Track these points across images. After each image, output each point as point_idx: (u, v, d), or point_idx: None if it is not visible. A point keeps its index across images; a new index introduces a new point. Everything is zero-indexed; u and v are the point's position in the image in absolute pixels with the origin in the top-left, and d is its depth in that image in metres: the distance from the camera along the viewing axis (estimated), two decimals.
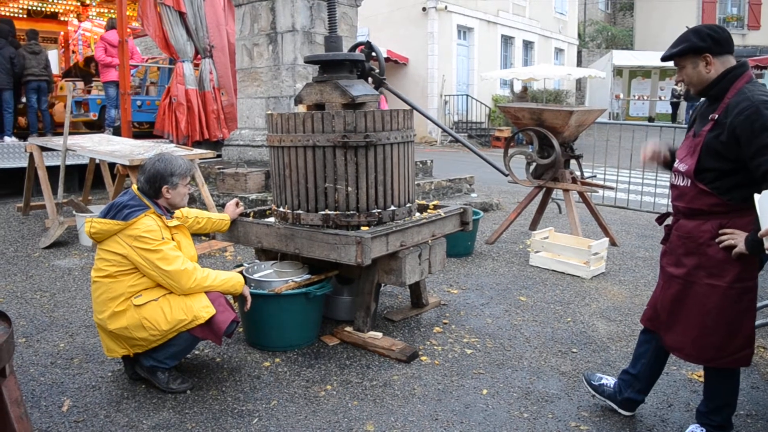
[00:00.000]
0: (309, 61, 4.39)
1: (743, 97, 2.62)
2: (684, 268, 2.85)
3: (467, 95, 23.03)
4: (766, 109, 2.53)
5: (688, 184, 2.81)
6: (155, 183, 3.38)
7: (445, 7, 21.94)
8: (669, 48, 2.91)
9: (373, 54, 4.58)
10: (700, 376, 3.67)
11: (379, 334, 4.01)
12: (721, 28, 2.80)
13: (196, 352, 3.89)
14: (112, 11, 14.32)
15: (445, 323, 4.49)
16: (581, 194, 6.96)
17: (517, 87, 24.41)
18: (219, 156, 8.91)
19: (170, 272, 3.20)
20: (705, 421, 2.97)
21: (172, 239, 3.36)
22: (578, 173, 6.99)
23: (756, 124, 2.53)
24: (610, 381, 3.34)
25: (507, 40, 26.16)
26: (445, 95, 22.44)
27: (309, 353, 3.92)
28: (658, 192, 9.34)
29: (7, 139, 9.74)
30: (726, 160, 2.66)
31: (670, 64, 2.96)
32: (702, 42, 2.75)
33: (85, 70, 14.19)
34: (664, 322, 2.95)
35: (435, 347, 4.05)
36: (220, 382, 3.54)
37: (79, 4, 14.58)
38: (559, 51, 30.13)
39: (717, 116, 2.70)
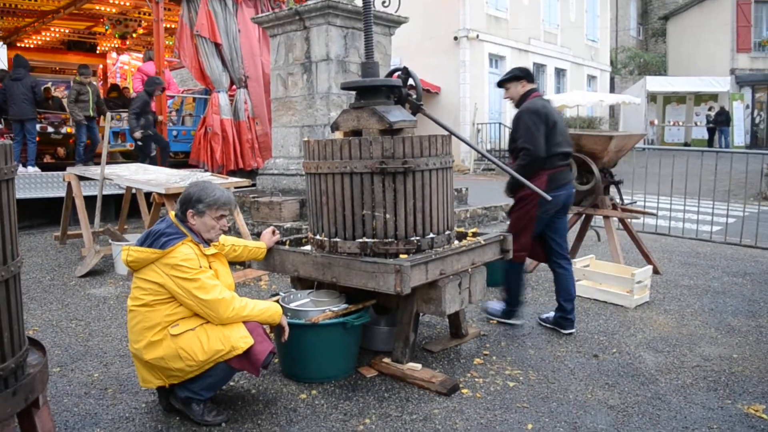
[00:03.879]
0: (346, 87, 4.35)
1: (522, 107, 4.76)
2: None
3: (500, 123, 22.92)
4: (525, 113, 4.65)
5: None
6: (183, 205, 3.34)
7: (477, 36, 21.99)
8: (503, 76, 4.97)
9: (410, 80, 4.53)
10: (756, 411, 3.49)
11: (418, 366, 3.89)
12: (528, 69, 4.99)
13: (231, 384, 3.81)
14: (149, 44, 14.64)
15: (486, 354, 4.35)
16: (622, 221, 6.79)
17: None
18: (253, 185, 8.93)
19: (208, 301, 3.14)
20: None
21: (210, 268, 3.30)
22: (618, 200, 6.83)
23: (519, 122, 4.67)
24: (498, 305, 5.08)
25: (539, 68, 26.09)
26: (478, 123, 22.38)
27: (346, 385, 3.82)
28: (700, 219, 9.12)
29: (30, 169, 9.86)
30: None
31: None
32: (521, 73, 4.89)
33: (113, 97, 14.47)
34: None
35: (476, 379, 3.92)
36: (256, 414, 3.45)
37: (118, 37, 14.91)
38: (591, 78, 29.96)
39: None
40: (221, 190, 3.44)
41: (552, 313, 4.95)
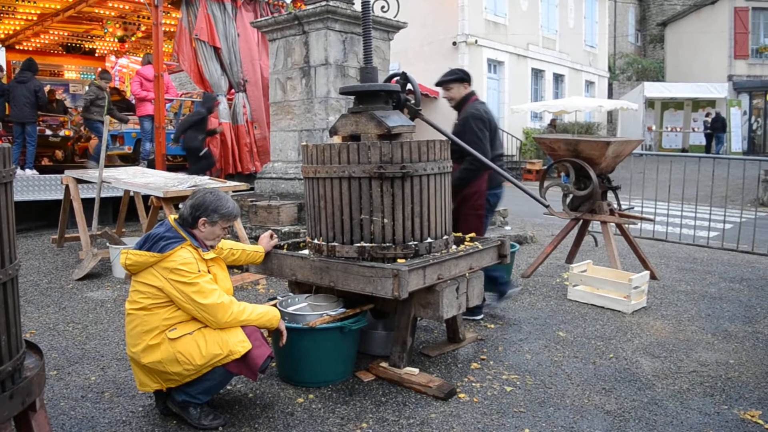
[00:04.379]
0: (344, 92, 4.36)
1: (466, 111, 5.01)
2: None
3: (498, 128, 22.92)
4: (471, 119, 4.91)
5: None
6: (196, 212, 3.34)
7: (476, 42, 22.04)
8: (444, 76, 5.10)
9: (409, 85, 4.54)
10: (753, 416, 3.50)
11: (416, 370, 3.89)
12: (468, 72, 5.16)
13: (229, 388, 3.81)
14: (148, 48, 14.64)
15: (483, 359, 4.36)
16: (619, 226, 6.80)
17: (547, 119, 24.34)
18: (252, 189, 8.93)
19: (206, 306, 3.14)
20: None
21: (208, 272, 3.30)
22: (616, 205, 6.84)
23: (466, 127, 4.91)
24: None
25: (537, 74, 26.15)
26: None
27: (343, 389, 3.82)
28: (697, 225, 9.14)
29: (28, 171, 9.90)
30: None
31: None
32: (465, 76, 5.10)
33: (116, 100, 14.47)
34: None
35: (473, 384, 3.92)
36: (253, 418, 3.45)
37: (117, 40, 14.92)
38: (589, 83, 30.01)
39: (460, 118, 5.03)
40: (232, 201, 3.48)
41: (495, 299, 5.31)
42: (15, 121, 10.03)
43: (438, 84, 5.19)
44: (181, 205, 3.43)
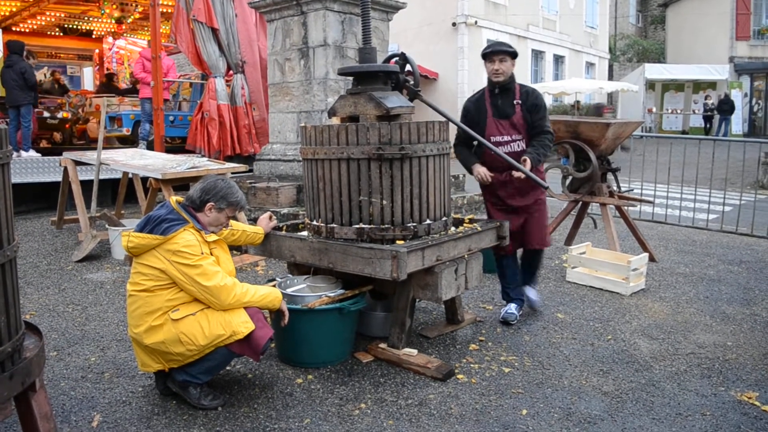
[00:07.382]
0: (343, 72, 4.34)
1: (535, 90, 4.74)
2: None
3: None
4: (541, 96, 4.69)
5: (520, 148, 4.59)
6: (207, 195, 3.36)
7: (475, 22, 21.92)
8: (500, 45, 4.61)
9: (408, 66, 4.51)
10: (750, 398, 3.51)
11: (414, 351, 3.91)
12: None
13: (228, 368, 3.82)
14: (146, 29, 14.53)
15: (482, 340, 4.37)
16: (619, 208, 6.80)
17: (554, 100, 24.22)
18: (250, 170, 8.91)
19: (210, 288, 3.15)
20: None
21: (211, 254, 3.30)
22: (615, 187, 6.83)
23: (542, 100, 4.69)
24: (511, 307, 4.79)
25: (537, 55, 26.04)
26: None
27: (342, 370, 3.84)
28: (697, 207, 9.13)
29: (24, 153, 9.90)
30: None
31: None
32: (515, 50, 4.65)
33: (113, 86, 14.40)
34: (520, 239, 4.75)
35: (471, 365, 3.94)
36: (252, 399, 3.46)
37: (114, 21, 14.81)
38: (590, 65, 29.89)
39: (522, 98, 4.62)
40: (242, 192, 3.53)
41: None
42: (9, 105, 10.05)
43: (494, 53, 4.55)
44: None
